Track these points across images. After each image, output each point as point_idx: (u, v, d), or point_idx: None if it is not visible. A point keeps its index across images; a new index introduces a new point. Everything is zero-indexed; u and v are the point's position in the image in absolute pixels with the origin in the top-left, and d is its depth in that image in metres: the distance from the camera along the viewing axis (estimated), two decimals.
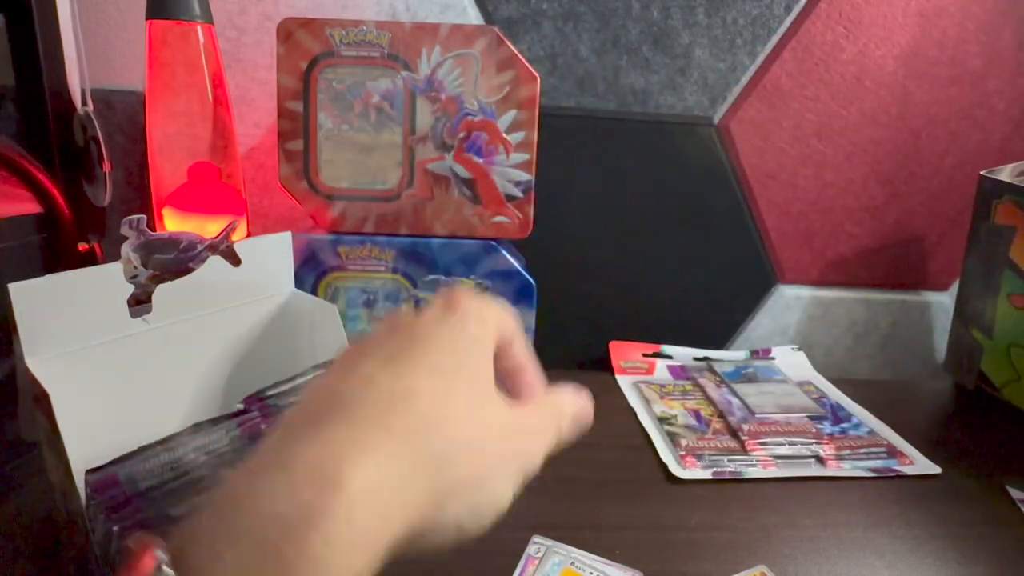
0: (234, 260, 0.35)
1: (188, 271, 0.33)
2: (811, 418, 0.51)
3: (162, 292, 0.33)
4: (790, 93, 0.60)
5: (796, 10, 0.58)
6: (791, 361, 0.62)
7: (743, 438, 0.47)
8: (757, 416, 0.50)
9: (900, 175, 0.64)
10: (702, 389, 0.55)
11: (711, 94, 0.60)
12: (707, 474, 0.44)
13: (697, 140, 0.60)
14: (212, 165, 0.47)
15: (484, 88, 0.45)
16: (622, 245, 0.63)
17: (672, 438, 0.48)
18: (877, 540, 0.39)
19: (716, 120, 0.60)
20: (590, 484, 0.42)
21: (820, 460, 0.46)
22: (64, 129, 0.49)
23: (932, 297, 0.68)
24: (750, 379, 0.57)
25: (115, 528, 0.24)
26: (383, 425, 0.19)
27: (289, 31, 0.44)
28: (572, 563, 0.34)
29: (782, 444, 0.47)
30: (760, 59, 0.59)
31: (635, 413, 0.52)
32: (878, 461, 0.46)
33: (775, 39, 0.59)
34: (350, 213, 0.46)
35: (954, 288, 0.66)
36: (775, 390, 0.55)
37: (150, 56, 0.46)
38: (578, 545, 0.35)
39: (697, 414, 0.51)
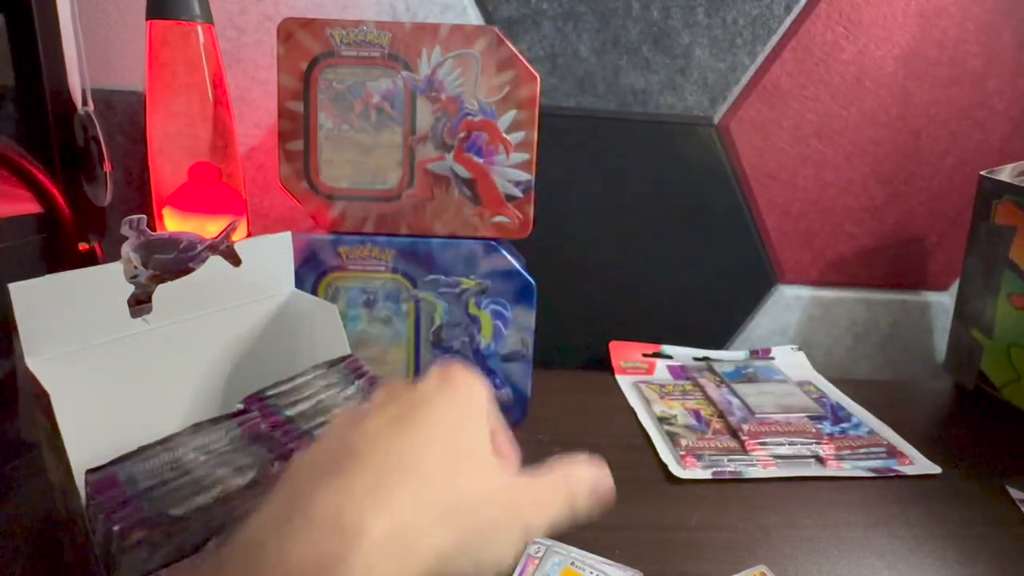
0: (234, 260, 0.35)
1: (188, 271, 0.33)
2: (811, 418, 0.51)
3: (162, 292, 0.33)
4: (790, 93, 0.60)
5: (796, 10, 0.58)
6: (791, 361, 0.62)
7: (743, 438, 0.47)
8: (757, 416, 0.50)
9: (900, 175, 0.64)
10: (702, 389, 0.55)
11: (711, 94, 0.60)
12: (707, 474, 0.44)
13: (697, 140, 0.60)
14: (212, 165, 0.47)
15: (484, 88, 0.45)
16: (622, 245, 0.63)
17: (672, 438, 0.48)
18: (877, 540, 0.39)
19: (716, 120, 0.60)
20: None
21: (820, 460, 0.46)
22: (64, 129, 0.49)
23: (932, 297, 0.68)
24: (750, 379, 0.57)
25: (115, 528, 0.24)
26: (397, 477, 0.20)
27: (289, 31, 0.44)
28: (572, 563, 0.34)
29: (782, 444, 0.47)
30: (760, 59, 0.59)
31: (635, 413, 0.52)
32: (878, 461, 0.46)
33: (775, 39, 0.59)
34: (350, 213, 0.46)
35: (954, 288, 0.66)
36: (775, 390, 0.55)
37: (150, 56, 0.46)
38: (578, 545, 0.35)
39: (697, 414, 0.51)
